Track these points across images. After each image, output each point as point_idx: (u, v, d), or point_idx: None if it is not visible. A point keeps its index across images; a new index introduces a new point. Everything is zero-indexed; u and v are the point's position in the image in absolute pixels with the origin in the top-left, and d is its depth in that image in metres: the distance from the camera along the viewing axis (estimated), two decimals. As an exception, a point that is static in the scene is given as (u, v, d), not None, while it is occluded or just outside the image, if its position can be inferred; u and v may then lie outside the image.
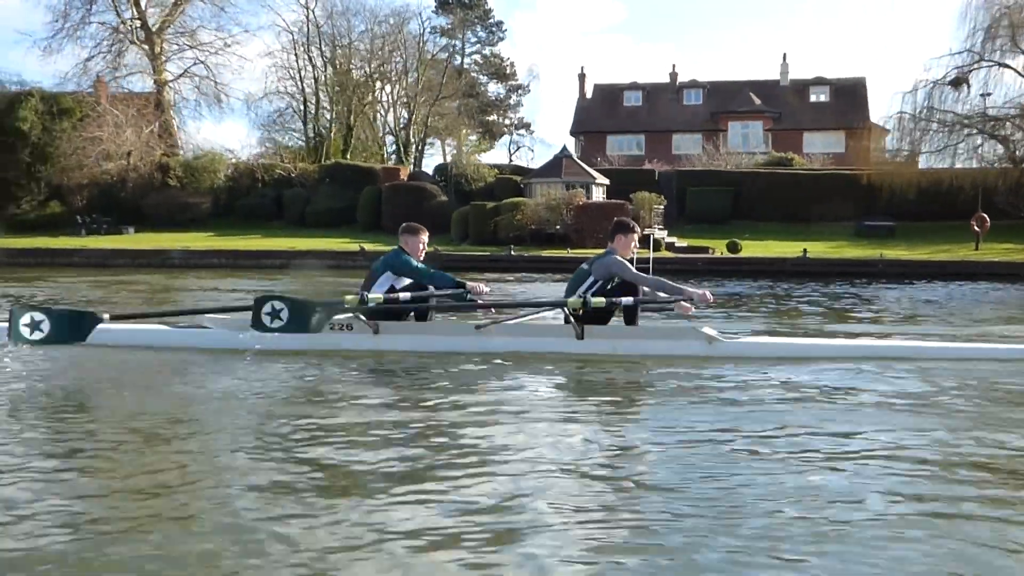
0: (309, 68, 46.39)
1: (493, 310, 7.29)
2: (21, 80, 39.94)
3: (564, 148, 34.11)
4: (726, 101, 49.85)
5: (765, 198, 33.11)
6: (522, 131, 62.80)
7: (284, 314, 6.16)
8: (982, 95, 30.30)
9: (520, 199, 30.18)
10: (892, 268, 23.05)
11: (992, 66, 30.73)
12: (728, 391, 5.73)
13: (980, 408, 5.31)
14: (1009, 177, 30.04)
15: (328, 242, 30.01)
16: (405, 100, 50.70)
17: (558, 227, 28.25)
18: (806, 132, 47.87)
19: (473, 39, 59.82)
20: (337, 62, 47.23)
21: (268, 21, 79.29)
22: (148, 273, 23.36)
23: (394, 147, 51.68)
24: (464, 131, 55.61)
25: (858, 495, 3.59)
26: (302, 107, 46.78)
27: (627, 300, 6.84)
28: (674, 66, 56.90)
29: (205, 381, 6.20)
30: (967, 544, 3.05)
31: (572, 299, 6.80)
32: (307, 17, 45.73)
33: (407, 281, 7.15)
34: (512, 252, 25.47)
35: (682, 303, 6.96)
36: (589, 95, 53.16)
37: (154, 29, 41.62)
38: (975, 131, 30.73)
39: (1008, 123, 31.16)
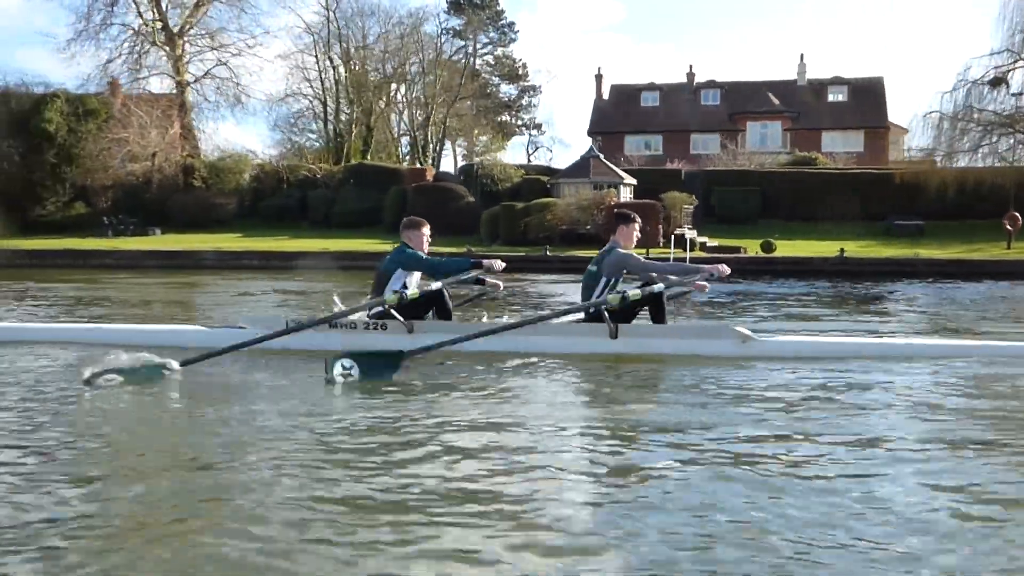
0: (330, 70, 46.47)
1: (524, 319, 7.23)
2: (46, 82, 39.98)
3: (591, 148, 34.18)
4: (744, 101, 49.88)
5: (792, 198, 33.11)
6: (533, 131, 62.93)
7: (355, 371, 6.10)
8: (1014, 95, 30.39)
9: (550, 199, 30.22)
10: (929, 267, 23.04)
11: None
12: (764, 390, 5.66)
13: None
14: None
15: (356, 243, 30.04)
16: (421, 101, 50.79)
17: (588, 227, 28.27)
18: (824, 132, 47.90)
19: (484, 40, 59.95)
20: (354, 64, 47.31)
21: (287, 23, 79.56)
22: (191, 275, 23.35)
23: (408, 148, 51.77)
24: (476, 131, 55.69)
25: (900, 493, 3.53)
26: (322, 108, 46.84)
27: (658, 287, 6.87)
28: (691, 66, 56.86)
29: (245, 382, 6.12)
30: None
31: (611, 296, 6.80)
32: (328, 18, 45.80)
33: (417, 276, 7.22)
34: (548, 252, 25.51)
35: (698, 283, 6.96)
36: (606, 96, 53.20)
37: (175, 31, 41.70)
38: (1011, 130, 30.74)
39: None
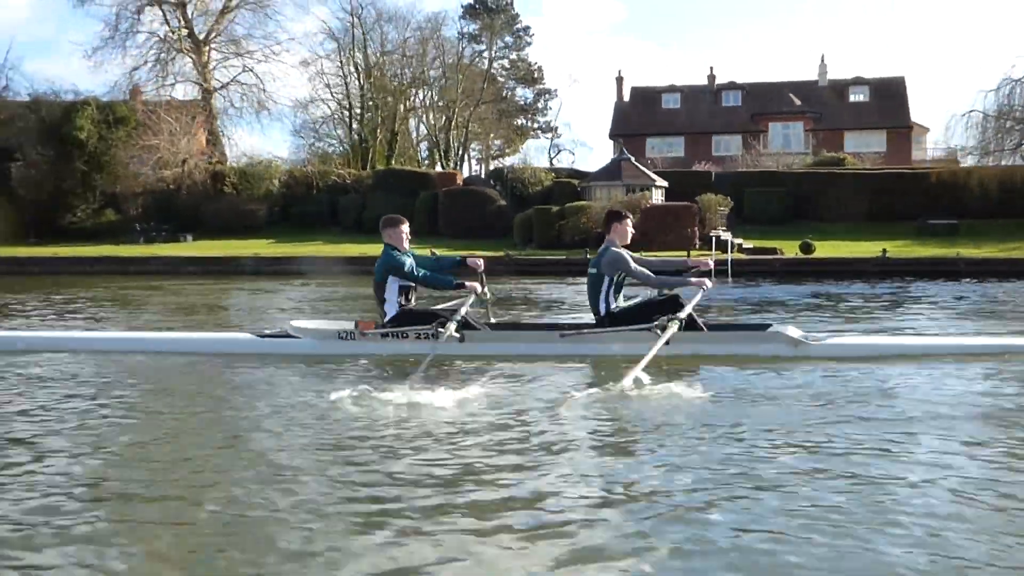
0: (353, 75, 46.63)
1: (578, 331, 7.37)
2: (76, 90, 40.16)
3: (622, 151, 34.19)
4: (765, 102, 49.89)
5: (823, 198, 33.07)
6: (549, 134, 63.02)
7: None
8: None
9: (585, 203, 30.25)
10: (973, 267, 23.02)
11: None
12: (818, 395, 5.59)
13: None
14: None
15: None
16: (441, 105, 50.93)
17: (624, 229, 28.25)
18: (847, 132, 47.90)
19: (500, 44, 60.10)
20: (377, 69, 47.46)
21: (310, 28, 79.71)
22: (232, 281, 23.46)
23: (427, 152, 51.93)
24: (492, 135, 55.82)
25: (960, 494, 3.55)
26: (347, 113, 46.99)
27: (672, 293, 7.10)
28: (712, 68, 56.96)
29: (299, 389, 6.15)
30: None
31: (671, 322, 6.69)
32: (352, 23, 45.96)
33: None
34: (588, 256, 25.55)
35: (694, 281, 7.09)
36: (626, 98, 53.27)
37: (201, 38, 41.91)
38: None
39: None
